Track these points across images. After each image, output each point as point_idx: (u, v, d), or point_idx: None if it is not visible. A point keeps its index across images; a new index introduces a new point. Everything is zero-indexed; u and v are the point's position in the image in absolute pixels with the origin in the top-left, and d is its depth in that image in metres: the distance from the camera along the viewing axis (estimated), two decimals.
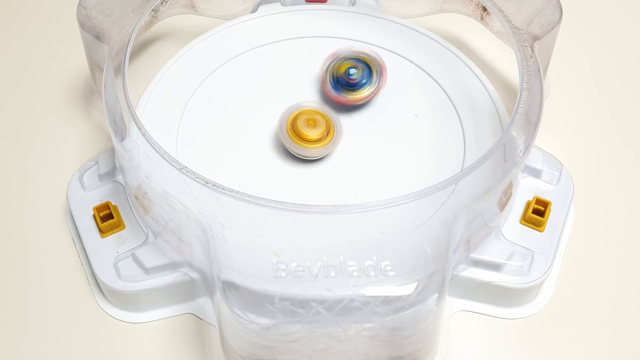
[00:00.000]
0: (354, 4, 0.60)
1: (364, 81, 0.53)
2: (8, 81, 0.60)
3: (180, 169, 0.43)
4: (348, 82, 0.52)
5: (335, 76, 0.53)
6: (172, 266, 0.47)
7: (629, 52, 0.63)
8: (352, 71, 0.52)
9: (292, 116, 0.51)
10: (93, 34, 0.51)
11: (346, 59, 0.53)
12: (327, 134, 0.50)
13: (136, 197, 0.48)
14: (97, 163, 0.52)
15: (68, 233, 0.52)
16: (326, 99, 0.54)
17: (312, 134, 0.50)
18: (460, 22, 0.59)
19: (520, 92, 0.47)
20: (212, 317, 0.48)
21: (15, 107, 0.59)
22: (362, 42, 0.57)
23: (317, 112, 0.51)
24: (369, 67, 0.53)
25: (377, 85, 0.53)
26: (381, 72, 0.53)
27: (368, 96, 0.53)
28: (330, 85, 0.53)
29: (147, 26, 0.56)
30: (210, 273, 0.43)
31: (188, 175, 0.43)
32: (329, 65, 0.53)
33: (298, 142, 0.50)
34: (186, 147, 0.51)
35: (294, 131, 0.50)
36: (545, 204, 0.50)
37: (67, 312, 0.49)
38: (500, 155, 0.46)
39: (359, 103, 0.53)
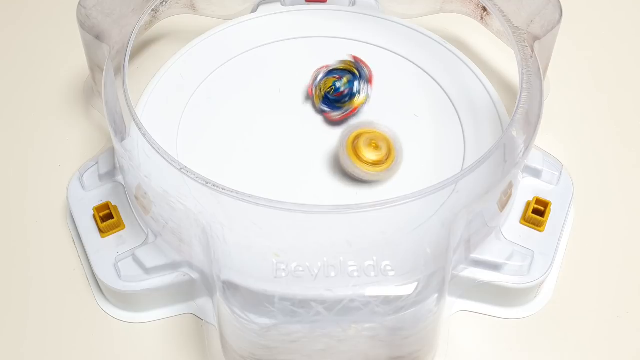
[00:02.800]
0: (354, 4, 0.60)
1: (352, 91, 0.52)
2: (8, 81, 0.60)
3: (180, 169, 0.43)
4: (336, 97, 0.52)
5: (322, 94, 0.53)
6: (172, 266, 0.47)
7: (628, 52, 0.63)
8: (337, 84, 0.52)
9: (353, 135, 0.49)
10: (93, 34, 0.51)
11: (329, 72, 0.53)
12: (388, 157, 0.49)
13: (136, 197, 0.48)
14: (97, 163, 0.52)
15: (68, 233, 0.52)
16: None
17: (372, 155, 0.48)
18: (460, 22, 0.59)
19: (520, 92, 0.47)
20: (212, 317, 0.48)
21: (15, 107, 0.59)
22: (362, 42, 0.57)
23: (379, 134, 0.49)
24: (352, 73, 0.53)
25: (367, 90, 0.53)
26: (367, 75, 0.53)
27: (361, 102, 0.53)
28: (321, 105, 0.53)
29: (147, 26, 0.56)
30: (210, 273, 0.43)
31: (188, 175, 0.43)
32: (315, 83, 0.53)
33: (356, 162, 0.48)
34: (186, 147, 0.51)
35: (354, 150, 0.49)
36: (545, 204, 0.50)
37: (67, 312, 0.49)
38: (500, 156, 0.46)
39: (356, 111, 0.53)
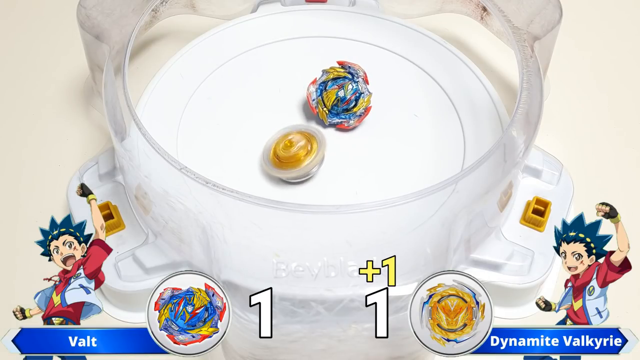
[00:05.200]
0: (354, 4, 0.60)
1: (357, 95, 0.52)
2: (8, 81, 0.60)
3: (180, 169, 0.43)
4: (345, 105, 0.52)
5: (329, 109, 0.52)
6: (172, 266, 0.47)
7: (629, 52, 0.63)
8: (341, 94, 0.52)
9: (272, 149, 0.50)
10: (93, 34, 0.51)
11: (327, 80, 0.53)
12: (311, 147, 0.50)
13: (136, 197, 0.48)
14: (97, 163, 0.52)
15: None
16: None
17: (294, 151, 0.49)
18: (460, 22, 0.59)
19: (520, 92, 0.47)
20: None
21: (15, 107, 0.59)
22: (362, 42, 0.57)
23: (293, 133, 0.50)
24: (348, 79, 0.52)
25: (367, 87, 0.53)
26: (362, 74, 0.53)
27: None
28: (331, 119, 0.52)
29: (147, 26, 0.56)
30: (210, 273, 0.43)
31: (188, 175, 0.43)
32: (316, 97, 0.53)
33: (284, 167, 0.49)
34: (186, 147, 0.51)
35: (279, 159, 0.49)
36: (545, 204, 0.50)
37: None
38: (500, 155, 0.46)
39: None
